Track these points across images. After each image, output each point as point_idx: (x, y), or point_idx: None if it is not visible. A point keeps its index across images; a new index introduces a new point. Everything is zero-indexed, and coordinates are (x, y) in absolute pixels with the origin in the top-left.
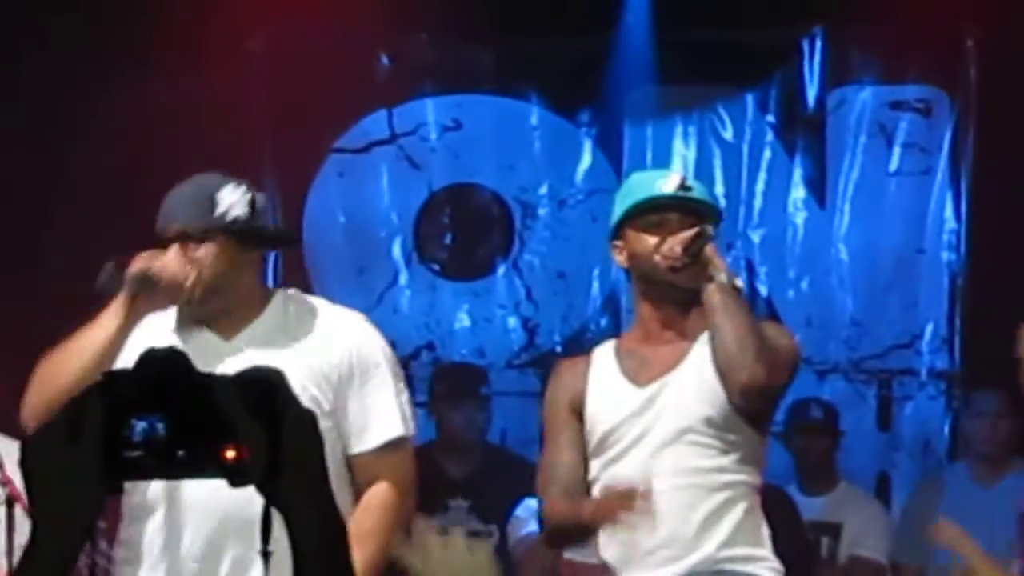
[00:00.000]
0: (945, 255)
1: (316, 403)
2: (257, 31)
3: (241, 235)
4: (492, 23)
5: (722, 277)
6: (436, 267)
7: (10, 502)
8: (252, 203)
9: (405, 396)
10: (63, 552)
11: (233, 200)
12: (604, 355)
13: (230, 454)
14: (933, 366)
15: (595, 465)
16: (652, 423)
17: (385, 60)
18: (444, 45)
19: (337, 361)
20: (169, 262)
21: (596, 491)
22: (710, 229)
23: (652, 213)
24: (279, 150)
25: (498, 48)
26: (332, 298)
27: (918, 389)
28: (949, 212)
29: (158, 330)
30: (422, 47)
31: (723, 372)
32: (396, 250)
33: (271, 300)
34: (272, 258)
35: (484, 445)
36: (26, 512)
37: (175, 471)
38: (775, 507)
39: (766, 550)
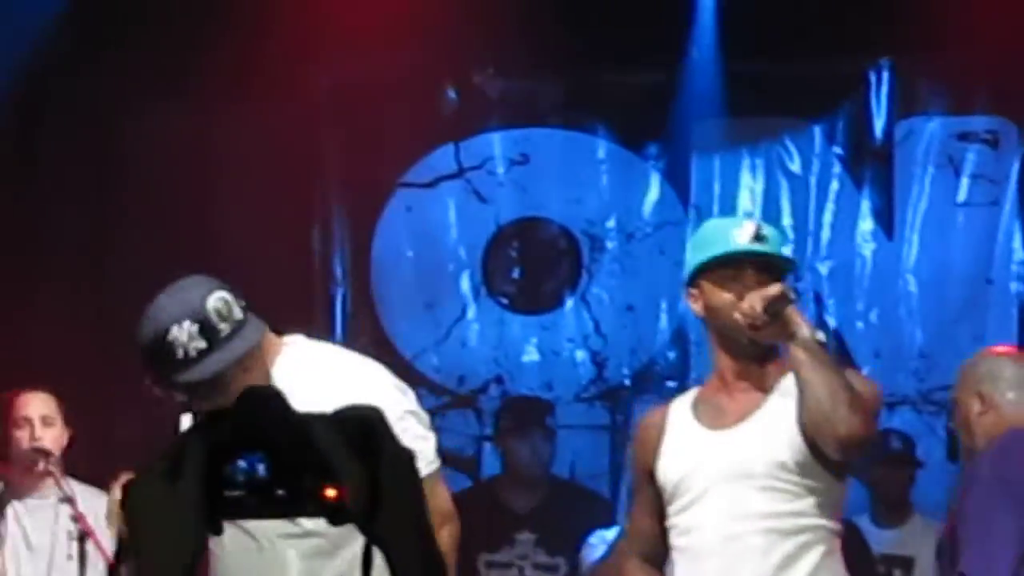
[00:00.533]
0: (1014, 286)
1: None
2: (324, 66)
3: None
4: (558, 57)
5: (805, 333)
6: (504, 301)
7: (82, 537)
8: (244, 308)
9: (422, 432)
10: None
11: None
12: (681, 405)
13: (330, 493)
14: None
15: (671, 511)
16: (726, 468)
17: (452, 94)
18: (510, 79)
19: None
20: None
21: (672, 537)
22: (792, 293)
23: (728, 267)
24: (347, 185)
25: (564, 81)
26: (400, 333)
27: None
28: (1017, 243)
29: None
30: (488, 81)
31: (819, 427)
32: (464, 284)
33: (281, 352)
34: (340, 294)
35: (551, 478)
36: (97, 548)
37: (276, 510)
38: (844, 541)
39: None
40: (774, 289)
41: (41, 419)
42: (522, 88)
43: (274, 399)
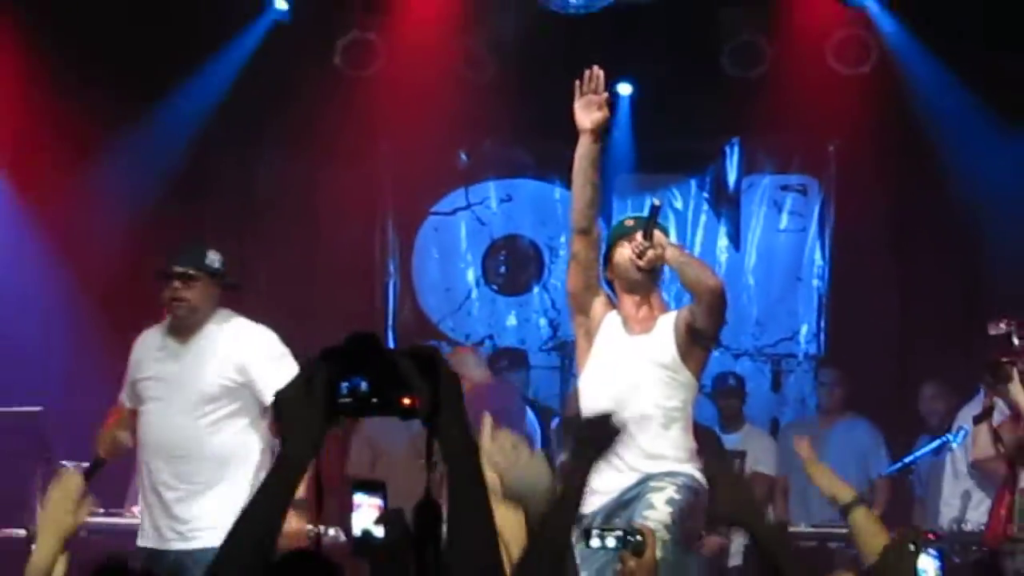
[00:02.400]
0: (815, 282)
1: (232, 379)
2: (383, 135)
3: (213, 276)
4: (530, 132)
5: (668, 246)
6: (495, 287)
7: None
8: (224, 261)
9: (285, 370)
10: (303, 460)
11: (215, 257)
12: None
13: (406, 401)
14: (807, 352)
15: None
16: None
17: (464, 156)
18: (501, 146)
19: (240, 355)
20: (106, 443)
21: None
22: (656, 204)
23: (623, 236)
24: (397, 213)
25: (534, 149)
26: (429, 306)
27: (796, 366)
28: (817, 255)
29: (151, 334)
30: (487, 147)
31: (696, 287)
32: (470, 276)
33: (213, 317)
34: (392, 283)
35: (523, 398)
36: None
37: (371, 411)
38: (706, 439)
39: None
40: (644, 230)
41: None
42: (508, 153)
43: (371, 339)
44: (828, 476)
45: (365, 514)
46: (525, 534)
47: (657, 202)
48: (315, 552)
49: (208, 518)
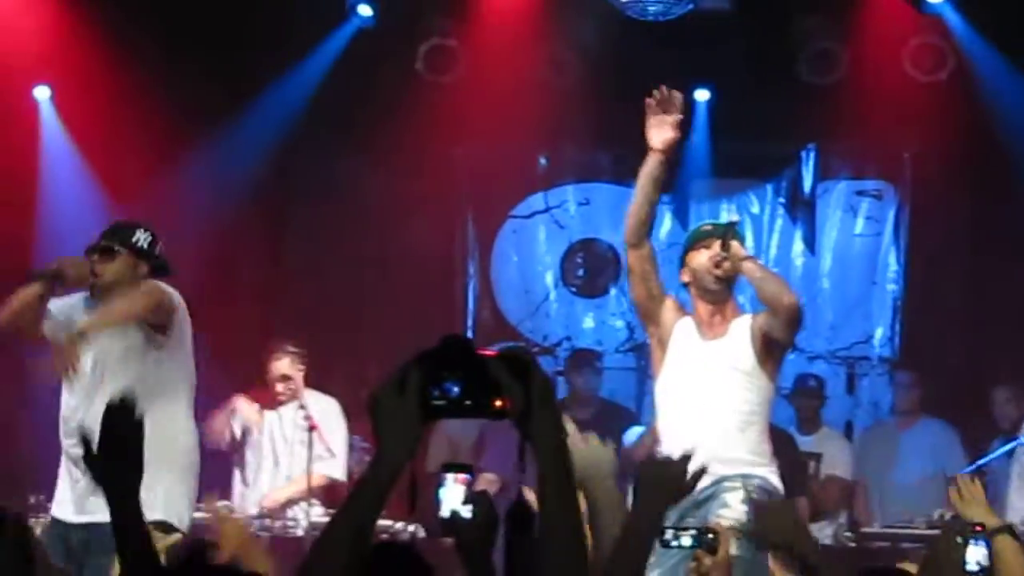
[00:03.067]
0: (890, 286)
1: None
2: (461, 142)
3: (139, 255)
4: (608, 135)
5: (746, 256)
6: (573, 289)
7: (310, 429)
8: (152, 242)
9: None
10: (398, 462)
11: (143, 236)
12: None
13: (498, 403)
14: (881, 355)
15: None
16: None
17: (543, 160)
18: (579, 150)
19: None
20: (78, 266)
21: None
22: (735, 221)
23: (700, 240)
24: (476, 216)
25: (611, 153)
26: (508, 308)
27: (871, 369)
28: (892, 259)
29: (74, 299)
30: (566, 151)
31: (773, 303)
32: (548, 279)
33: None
34: (472, 284)
35: (599, 399)
36: (321, 439)
37: (464, 413)
38: (782, 442)
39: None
40: (722, 240)
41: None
42: (586, 157)
43: (464, 342)
44: (978, 504)
45: (453, 493)
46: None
47: (735, 218)
48: (407, 546)
49: None
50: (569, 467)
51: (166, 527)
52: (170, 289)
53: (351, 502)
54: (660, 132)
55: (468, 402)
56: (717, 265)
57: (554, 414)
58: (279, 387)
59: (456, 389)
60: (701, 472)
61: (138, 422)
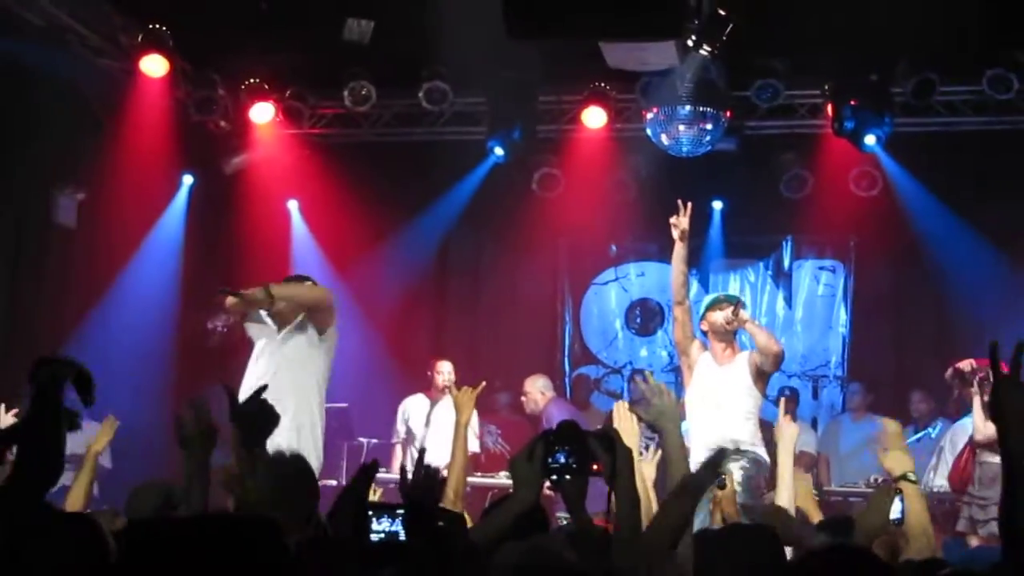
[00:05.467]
0: (841, 329)
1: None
2: (562, 232)
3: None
4: (657, 230)
5: (748, 319)
6: (633, 331)
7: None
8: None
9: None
10: (528, 503)
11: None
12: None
13: (595, 467)
14: (836, 374)
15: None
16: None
17: (613, 248)
18: (637, 240)
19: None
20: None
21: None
22: (742, 304)
23: (718, 304)
24: (571, 283)
25: (660, 242)
26: (591, 344)
27: (828, 383)
28: (842, 311)
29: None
30: (628, 242)
31: (764, 351)
32: (617, 324)
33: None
34: (567, 328)
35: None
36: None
37: (572, 474)
38: (769, 431)
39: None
40: (732, 307)
41: (448, 371)
42: (641, 245)
43: (573, 426)
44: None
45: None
46: (663, 451)
47: (743, 299)
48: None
49: None
50: (638, 512)
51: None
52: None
53: (495, 517)
54: (677, 229)
55: (575, 466)
56: (729, 323)
57: (631, 474)
58: (441, 387)
59: (564, 458)
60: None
61: (269, 406)
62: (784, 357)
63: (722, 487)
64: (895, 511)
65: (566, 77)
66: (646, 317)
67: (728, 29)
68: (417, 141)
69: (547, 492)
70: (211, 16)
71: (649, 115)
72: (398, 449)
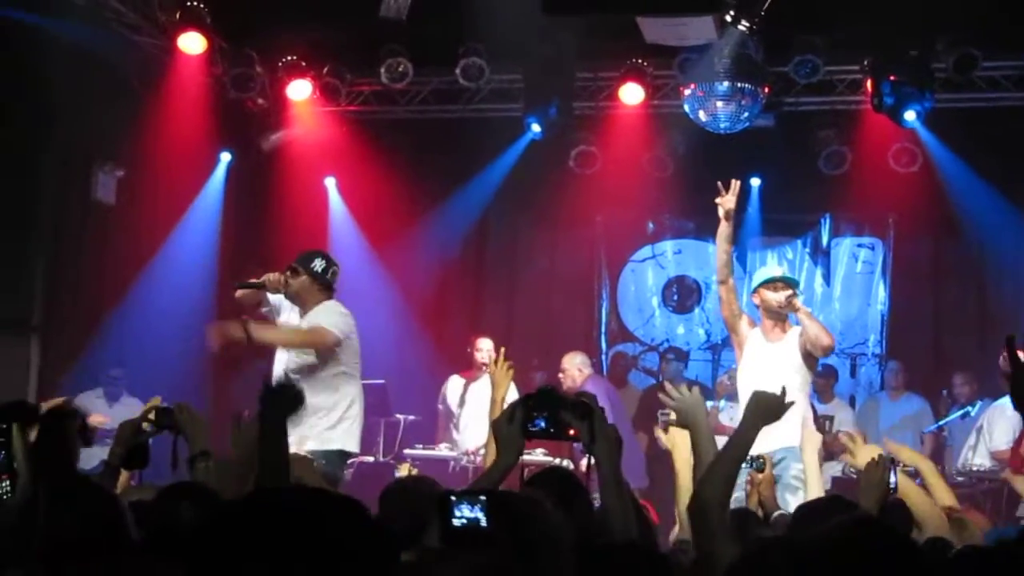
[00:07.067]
0: (879, 307)
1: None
2: (599, 207)
3: (313, 276)
4: (695, 207)
5: (800, 307)
6: (670, 308)
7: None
8: (325, 268)
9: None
10: (509, 463)
11: (319, 263)
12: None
13: (571, 432)
14: (874, 352)
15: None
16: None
17: (651, 225)
18: (675, 217)
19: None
20: (276, 280)
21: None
22: (797, 292)
23: (772, 283)
24: (608, 261)
25: (697, 219)
26: (628, 321)
27: (866, 361)
28: (881, 289)
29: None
30: (665, 218)
31: (814, 342)
32: (654, 301)
33: (320, 303)
34: (604, 305)
35: (685, 379)
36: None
37: (549, 437)
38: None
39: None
40: (789, 292)
41: (488, 348)
42: (678, 222)
43: (552, 392)
44: (907, 451)
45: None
46: (691, 448)
47: (799, 283)
48: (567, 472)
49: None
50: (619, 473)
51: (343, 454)
52: (337, 327)
53: (481, 480)
54: (723, 207)
55: (551, 430)
56: (781, 307)
57: (610, 440)
58: (480, 364)
59: (543, 423)
60: (784, 394)
61: (297, 392)
62: (835, 349)
63: (760, 470)
64: (893, 481)
65: (603, 53)
66: (683, 295)
67: (767, 3)
68: (454, 118)
69: (583, 469)
70: None
71: (687, 91)
72: (440, 428)
